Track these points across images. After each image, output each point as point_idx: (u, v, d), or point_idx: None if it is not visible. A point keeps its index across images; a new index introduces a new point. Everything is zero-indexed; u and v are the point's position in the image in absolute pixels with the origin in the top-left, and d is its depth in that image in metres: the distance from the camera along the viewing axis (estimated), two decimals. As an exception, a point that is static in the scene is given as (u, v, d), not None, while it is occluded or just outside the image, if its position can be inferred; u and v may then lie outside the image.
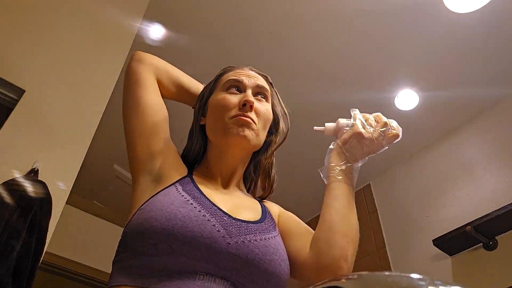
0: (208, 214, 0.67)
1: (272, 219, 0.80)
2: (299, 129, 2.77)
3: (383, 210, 2.75)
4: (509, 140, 2.28)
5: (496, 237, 2.09)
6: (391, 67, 2.32)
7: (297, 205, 3.16)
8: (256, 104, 0.83)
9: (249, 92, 0.85)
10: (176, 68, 1.00)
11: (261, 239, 0.68)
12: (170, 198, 0.68)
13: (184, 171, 0.80)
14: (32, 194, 0.74)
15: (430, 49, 2.21)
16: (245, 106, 0.81)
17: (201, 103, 0.90)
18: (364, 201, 2.91)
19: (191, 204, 0.68)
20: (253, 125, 0.81)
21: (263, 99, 0.87)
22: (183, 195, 0.70)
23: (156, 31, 2.22)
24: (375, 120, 0.85)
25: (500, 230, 2.07)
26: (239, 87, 0.86)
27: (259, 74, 0.92)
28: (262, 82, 0.89)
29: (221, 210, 0.70)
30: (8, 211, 0.67)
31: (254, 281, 0.64)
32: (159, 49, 2.29)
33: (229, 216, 0.69)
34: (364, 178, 2.95)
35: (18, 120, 1.38)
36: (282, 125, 0.95)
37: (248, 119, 0.80)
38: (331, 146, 0.88)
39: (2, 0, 1.54)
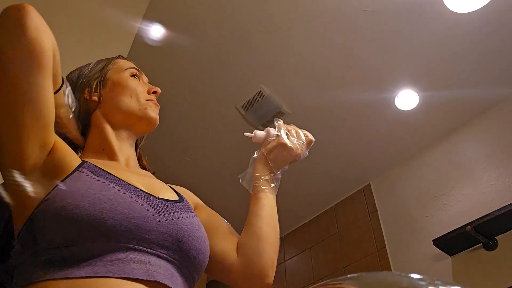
0: (134, 195, 0.65)
1: (188, 202, 0.79)
2: (299, 129, 2.77)
3: (383, 210, 2.75)
4: (509, 140, 2.29)
5: (496, 237, 2.09)
6: (391, 67, 2.32)
7: (295, 205, 3.16)
8: None
9: (146, 82, 0.93)
10: None
11: (187, 217, 0.70)
12: (85, 184, 0.62)
13: (76, 156, 0.72)
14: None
15: (430, 49, 2.21)
16: (155, 93, 0.89)
17: (97, 78, 0.87)
18: (364, 201, 2.91)
19: (113, 187, 0.64)
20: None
21: None
22: (98, 180, 0.65)
23: (156, 31, 2.22)
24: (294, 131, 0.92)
25: (500, 230, 2.07)
26: (139, 77, 0.91)
27: None
28: None
29: (142, 190, 0.68)
30: (8, 211, 0.67)
31: (183, 257, 0.65)
32: (159, 49, 2.30)
33: (153, 196, 0.69)
34: (364, 178, 2.95)
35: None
36: None
37: (157, 104, 0.89)
38: (255, 155, 0.91)
39: (2, 0, 1.54)
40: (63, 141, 0.72)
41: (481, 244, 2.12)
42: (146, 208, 0.64)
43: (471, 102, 2.46)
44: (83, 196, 0.60)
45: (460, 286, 0.31)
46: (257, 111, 2.56)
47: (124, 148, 0.84)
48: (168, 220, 0.65)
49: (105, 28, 1.81)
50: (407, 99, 2.43)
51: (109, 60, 0.93)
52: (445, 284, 0.32)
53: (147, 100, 0.86)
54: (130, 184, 0.68)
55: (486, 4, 1.94)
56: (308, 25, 2.18)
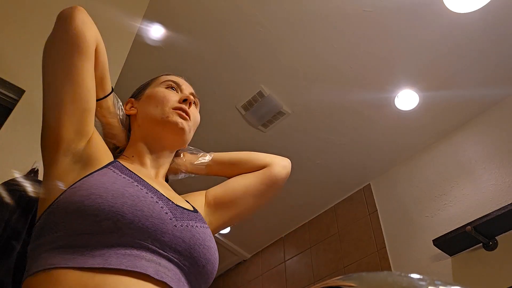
0: (155, 196, 0.67)
1: (200, 214, 0.82)
2: (299, 129, 2.78)
3: (383, 210, 2.75)
4: (509, 140, 2.28)
5: (496, 237, 2.09)
6: (391, 67, 2.32)
7: (295, 205, 3.16)
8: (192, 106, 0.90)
9: (187, 93, 0.92)
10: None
11: (201, 226, 0.72)
12: (111, 179, 0.66)
13: (110, 156, 0.77)
14: (32, 194, 0.73)
15: (431, 49, 2.21)
16: (186, 101, 0.88)
17: (134, 94, 0.94)
18: (364, 201, 2.92)
19: (137, 185, 0.67)
20: (189, 122, 0.87)
21: (194, 105, 0.93)
22: (124, 177, 0.68)
23: (156, 31, 2.22)
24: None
25: (500, 230, 2.07)
26: (176, 88, 0.92)
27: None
28: (194, 91, 0.97)
29: (163, 195, 0.71)
30: (8, 211, 0.67)
31: (192, 264, 0.66)
32: (159, 49, 2.30)
33: (172, 202, 0.71)
34: (364, 178, 2.95)
35: (18, 120, 1.38)
36: None
37: (186, 115, 0.86)
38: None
39: (2, 0, 1.54)
40: (100, 138, 0.77)
41: (481, 244, 2.12)
42: (165, 211, 0.66)
43: (471, 102, 2.46)
44: (108, 189, 0.63)
45: (460, 286, 0.31)
46: (257, 111, 2.56)
47: (154, 162, 0.86)
48: (184, 226, 0.67)
49: (105, 28, 1.81)
50: (407, 99, 2.43)
51: (146, 82, 0.97)
52: (445, 284, 0.32)
53: (174, 108, 0.86)
54: (152, 186, 0.71)
55: (486, 4, 1.94)
56: (308, 25, 2.18)
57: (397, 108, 2.47)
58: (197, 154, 0.98)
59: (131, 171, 0.73)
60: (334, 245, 2.93)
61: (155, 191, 0.70)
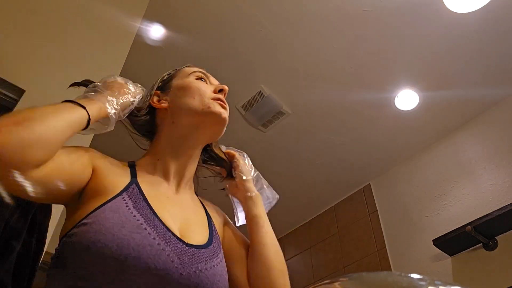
0: (163, 241, 0.65)
1: (218, 236, 0.80)
2: (299, 129, 2.77)
3: (383, 210, 2.75)
4: (509, 140, 2.28)
5: (496, 237, 2.10)
6: (391, 67, 2.32)
7: (295, 205, 3.16)
8: None
9: (217, 84, 0.89)
10: None
11: (210, 267, 0.69)
12: (121, 218, 0.64)
13: (126, 173, 0.74)
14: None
15: (431, 49, 2.21)
16: (222, 91, 0.85)
17: (159, 87, 0.89)
18: (364, 201, 2.92)
19: (145, 229, 0.64)
20: (228, 111, 0.85)
21: None
22: (135, 215, 0.65)
23: (156, 31, 2.22)
24: None
25: (500, 230, 2.07)
26: (206, 79, 0.89)
27: None
28: None
29: (174, 235, 0.68)
30: (8, 211, 0.67)
31: None
32: (159, 49, 2.30)
33: (182, 242, 0.68)
34: (364, 178, 2.95)
35: (18, 120, 1.38)
36: None
37: (225, 104, 0.84)
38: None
39: (2, 0, 1.54)
40: (105, 165, 0.73)
41: (481, 244, 2.12)
42: (171, 259, 0.64)
43: (471, 102, 2.46)
44: (114, 236, 0.61)
45: (460, 286, 0.31)
46: (257, 111, 2.56)
47: (180, 167, 0.82)
48: (191, 273, 0.65)
49: (105, 28, 1.81)
50: (407, 99, 2.43)
51: (176, 69, 0.93)
52: (445, 284, 0.32)
53: (213, 98, 0.83)
54: (163, 225, 0.68)
55: (486, 4, 1.94)
56: (308, 25, 2.18)
57: (397, 108, 2.47)
58: (248, 185, 0.91)
59: (144, 198, 0.70)
60: (334, 245, 2.93)
61: (164, 232, 0.66)
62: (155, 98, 0.86)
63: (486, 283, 2.01)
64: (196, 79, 0.87)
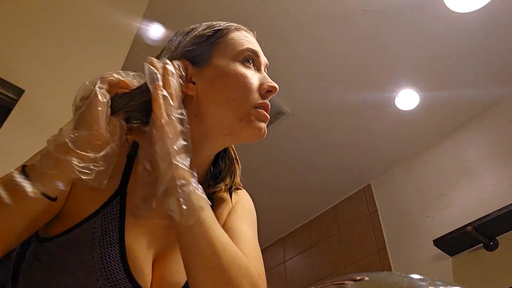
0: None
1: None
2: (299, 129, 2.77)
3: (383, 211, 2.75)
4: (509, 140, 2.28)
5: (496, 238, 2.09)
6: (391, 67, 2.32)
7: (295, 205, 3.16)
8: None
9: (264, 68, 0.72)
10: None
11: None
12: (77, 259, 0.54)
13: (115, 176, 0.59)
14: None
15: (431, 49, 2.21)
16: (270, 93, 0.67)
17: (190, 55, 0.67)
18: (364, 201, 2.91)
19: (97, 280, 0.53)
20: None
21: None
22: (93, 257, 0.54)
23: (156, 31, 2.22)
24: None
25: (501, 231, 2.07)
26: (254, 61, 0.70)
27: None
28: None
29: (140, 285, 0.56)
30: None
31: None
32: (159, 49, 2.29)
33: None
34: (364, 178, 2.95)
35: (17, 120, 1.38)
36: None
37: (268, 116, 0.67)
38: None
39: (2, 0, 1.54)
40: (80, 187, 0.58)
41: (482, 244, 2.12)
42: None
43: (471, 102, 2.46)
44: (61, 281, 0.54)
45: (461, 287, 0.31)
46: (257, 111, 2.56)
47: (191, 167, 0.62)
48: None
49: (105, 28, 1.81)
50: (407, 99, 2.43)
51: (221, 31, 0.69)
52: (445, 284, 0.32)
53: (256, 106, 0.65)
54: (127, 275, 0.55)
55: (486, 4, 1.94)
56: (308, 25, 2.18)
57: (398, 108, 2.46)
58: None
59: (121, 228, 0.56)
60: (334, 245, 2.93)
61: (122, 284, 0.55)
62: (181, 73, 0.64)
63: (486, 284, 2.01)
64: (243, 61, 0.67)
